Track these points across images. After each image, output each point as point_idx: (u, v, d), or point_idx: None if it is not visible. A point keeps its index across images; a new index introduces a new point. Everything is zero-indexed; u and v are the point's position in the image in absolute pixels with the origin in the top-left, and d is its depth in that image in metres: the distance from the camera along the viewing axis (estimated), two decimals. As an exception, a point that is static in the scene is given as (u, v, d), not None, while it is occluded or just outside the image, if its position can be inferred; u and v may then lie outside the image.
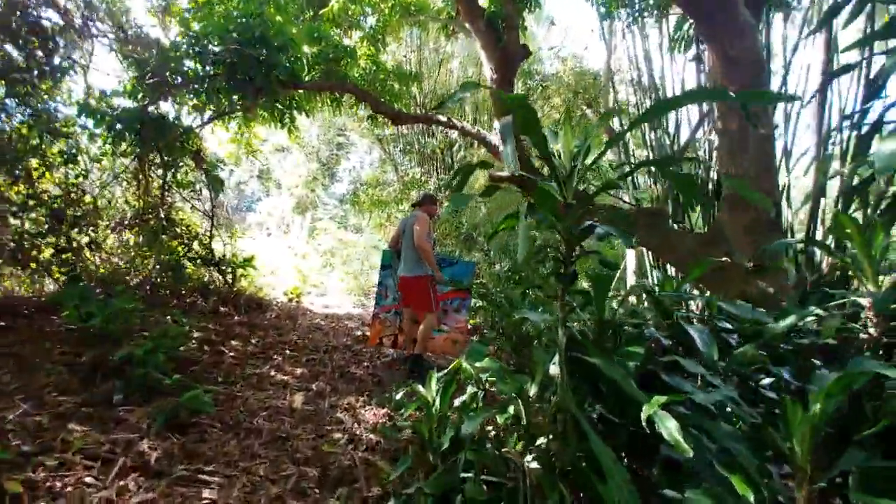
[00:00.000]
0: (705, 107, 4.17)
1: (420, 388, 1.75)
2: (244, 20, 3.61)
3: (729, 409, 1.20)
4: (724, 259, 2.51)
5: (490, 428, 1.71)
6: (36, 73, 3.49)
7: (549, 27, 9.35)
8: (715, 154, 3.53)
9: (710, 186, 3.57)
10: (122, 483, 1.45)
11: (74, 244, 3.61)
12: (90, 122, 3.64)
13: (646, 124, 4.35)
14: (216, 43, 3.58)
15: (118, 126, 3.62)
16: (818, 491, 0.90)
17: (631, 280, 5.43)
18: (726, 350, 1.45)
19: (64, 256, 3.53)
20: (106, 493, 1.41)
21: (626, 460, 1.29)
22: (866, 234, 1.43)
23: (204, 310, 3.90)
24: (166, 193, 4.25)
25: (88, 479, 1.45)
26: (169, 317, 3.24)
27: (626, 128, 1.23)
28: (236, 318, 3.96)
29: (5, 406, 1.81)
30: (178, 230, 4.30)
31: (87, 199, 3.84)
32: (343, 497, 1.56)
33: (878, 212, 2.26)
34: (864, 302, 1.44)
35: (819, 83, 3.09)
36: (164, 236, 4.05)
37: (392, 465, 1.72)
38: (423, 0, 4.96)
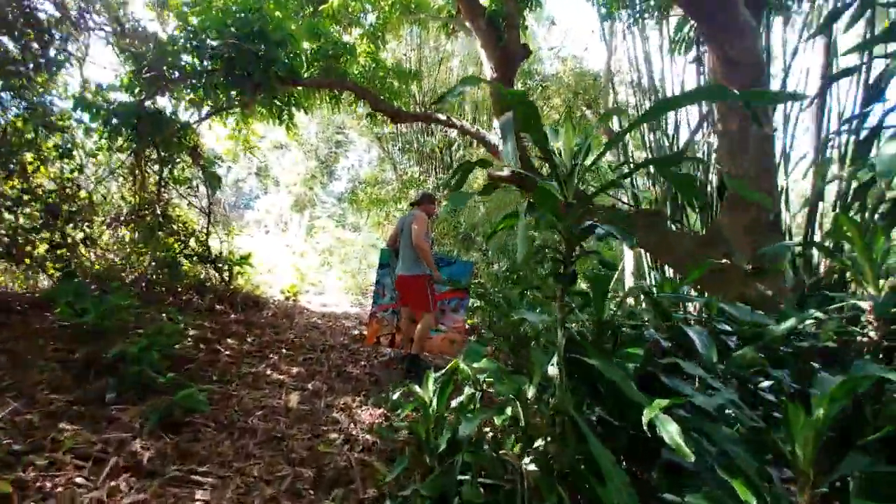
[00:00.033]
0: (704, 108, 4.17)
1: (417, 388, 1.74)
2: (243, 15, 3.57)
3: (728, 412, 1.19)
4: (722, 261, 2.50)
5: (487, 429, 1.70)
6: (31, 65, 3.45)
7: (549, 27, 9.34)
8: (714, 156, 3.53)
9: (709, 188, 3.57)
10: (113, 483, 1.43)
11: (69, 240, 3.57)
12: (86, 117, 3.60)
13: (645, 126, 4.35)
14: (214, 37, 3.55)
15: (114, 121, 3.58)
16: (820, 496, 0.89)
17: (629, 281, 5.43)
18: (725, 352, 1.44)
19: (58, 252, 3.49)
20: (97, 493, 1.38)
21: (625, 463, 1.28)
22: (867, 238, 1.42)
23: (200, 307, 3.87)
24: (163, 190, 4.21)
25: (79, 480, 1.43)
26: (164, 314, 3.21)
27: (627, 126, 1.22)
28: (233, 316, 3.93)
29: (-4, 403, 1.78)
30: (175, 227, 4.26)
31: (83, 194, 3.79)
32: (338, 498, 1.54)
33: (877, 215, 2.26)
34: (865, 305, 1.44)
35: (819, 87, 3.10)
36: (160, 233, 4.01)
37: (388, 467, 1.71)
38: (424, -2, 4.94)
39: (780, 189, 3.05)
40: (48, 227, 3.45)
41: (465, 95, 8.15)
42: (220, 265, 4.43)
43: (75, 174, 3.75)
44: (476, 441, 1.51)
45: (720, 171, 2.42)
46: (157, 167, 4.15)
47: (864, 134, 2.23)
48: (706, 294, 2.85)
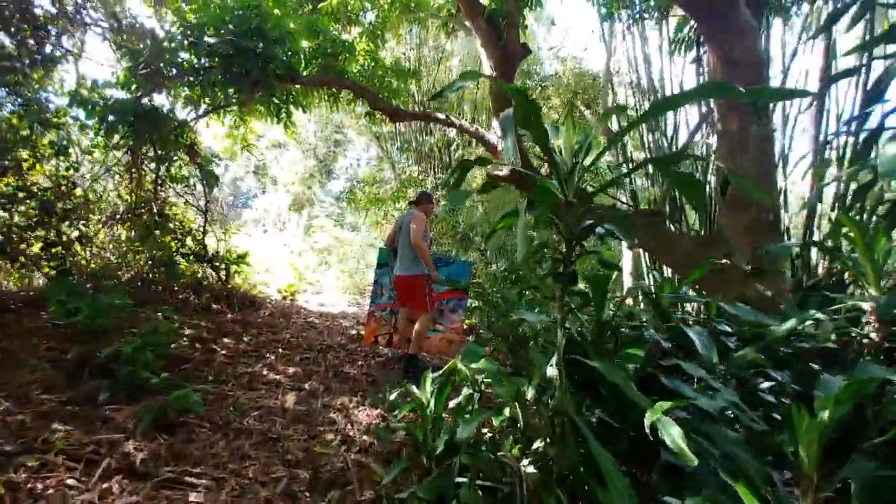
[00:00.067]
0: (704, 109, 4.17)
1: (414, 388, 1.72)
2: (241, 12, 3.55)
3: (729, 413, 1.18)
4: (722, 261, 2.49)
5: (486, 430, 1.68)
6: (27, 61, 3.41)
7: (549, 27, 9.34)
8: (713, 156, 3.52)
9: (708, 189, 3.56)
10: (105, 485, 1.40)
11: (64, 238, 3.54)
12: (82, 114, 3.56)
13: (644, 126, 4.35)
14: (211, 34, 3.52)
15: (111, 118, 3.55)
16: (824, 499, 0.88)
17: (627, 282, 5.43)
18: (725, 353, 1.43)
19: (53, 251, 3.46)
20: (88, 495, 1.36)
21: (625, 465, 1.26)
22: (868, 238, 1.41)
23: (196, 307, 3.84)
24: (159, 188, 4.18)
25: (71, 481, 1.40)
26: (160, 313, 3.18)
27: (630, 124, 1.20)
28: (229, 315, 3.90)
29: (-13, 403, 1.75)
30: (172, 225, 4.23)
31: (78, 192, 3.76)
32: (335, 500, 1.52)
33: (876, 216, 2.25)
34: (866, 306, 1.43)
35: (818, 88, 3.09)
36: (156, 231, 3.98)
37: (385, 468, 1.69)
38: (424, -3, 4.92)
39: (778, 190, 3.05)
40: (43, 225, 3.42)
41: (464, 94, 8.14)
42: (217, 264, 4.40)
43: (71, 172, 3.72)
44: (474, 443, 1.50)
45: (723, 170, 2.41)
46: (153, 165, 4.12)
47: (864, 135, 2.22)
48: (705, 294, 2.84)
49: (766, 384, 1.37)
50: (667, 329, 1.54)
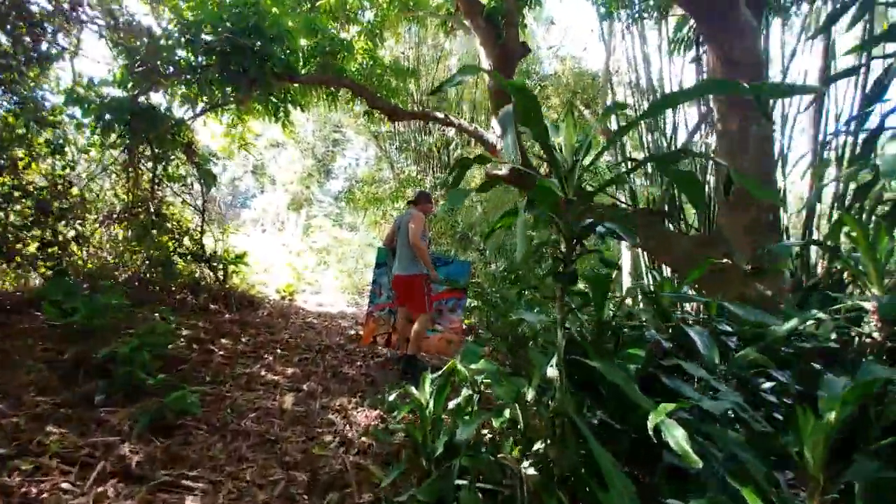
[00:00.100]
0: (703, 109, 4.16)
1: (413, 389, 1.70)
2: (238, 10, 3.52)
3: (730, 413, 1.16)
4: (722, 261, 2.48)
5: (486, 431, 1.67)
6: (23, 59, 3.38)
7: (548, 27, 9.33)
8: (713, 155, 3.51)
9: (707, 189, 3.56)
10: (100, 489, 1.38)
11: (60, 238, 3.51)
12: (78, 112, 3.53)
13: (643, 126, 4.34)
14: (209, 32, 3.49)
15: (107, 116, 3.52)
16: (830, 501, 0.87)
17: (626, 282, 5.42)
18: (725, 353, 1.42)
19: (50, 250, 3.43)
20: (83, 499, 1.34)
21: (626, 467, 1.25)
22: (871, 238, 1.40)
23: (194, 307, 3.82)
24: (156, 187, 4.15)
25: (65, 485, 1.38)
26: (157, 314, 3.15)
27: (630, 122, 1.19)
28: (227, 315, 3.88)
29: (-20, 405, 1.73)
30: (169, 225, 4.20)
31: (75, 191, 3.73)
32: (333, 503, 1.51)
33: (875, 216, 2.25)
34: (869, 306, 1.42)
35: (819, 86, 3.08)
36: (153, 231, 3.96)
37: (384, 470, 1.67)
38: (422, -4, 4.90)
39: (778, 190, 3.04)
40: (39, 224, 3.39)
41: (462, 93, 8.12)
42: (215, 264, 4.37)
43: (67, 171, 3.69)
44: (474, 444, 1.48)
45: (725, 169, 2.40)
46: (150, 164, 4.09)
47: (865, 135, 2.22)
48: (705, 294, 2.84)
49: (767, 384, 1.36)
50: (667, 329, 1.53)
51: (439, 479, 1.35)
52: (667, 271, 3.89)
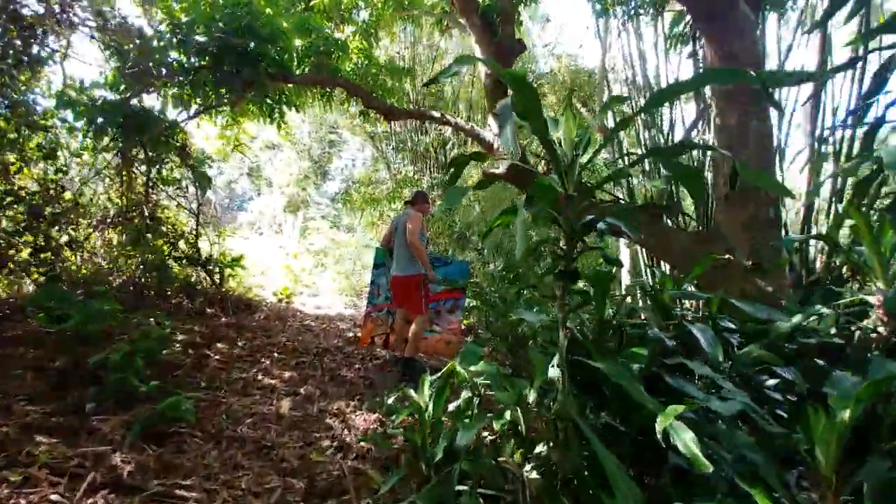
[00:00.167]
0: (701, 104, 4.14)
1: (412, 392, 1.67)
2: (231, 10, 3.48)
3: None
4: (724, 256, 2.46)
5: (486, 435, 1.64)
6: (13, 62, 3.33)
7: (543, 24, 9.32)
8: (709, 154, 3.49)
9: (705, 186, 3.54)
10: (90, 501, 1.34)
11: (53, 243, 3.46)
12: (70, 115, 3.49)
13: (640, 123, 4.32)
14: (202, 32, 3.45)
15: (99, 119, 3.47)
16: (842, 502, 0.84)
17: (625, 280, 5.40)
18: (727, 350, 1.39)
19: (42, 256, 3.38)
20: (73, 510, 1.30)
21: (631, 469, 1.22)
22: (875, 231, 1.38)
23: (189, 311, 3.77)
24: (151, 191, 4.11)
25: (54, 497, 1.34)
26: (152, 319, 3.11)
27: (628, 117, 1.16)
28: (223, 319, 3.83)
29: (-32, 415, 1.69)
30: (164, 229, 4.16)
31: (67, 195, 3.68)
32: (331, 509, 1.47)
33: (874, 210, 2.23)
34: (873, 300, 1.40)
35: (817, 79, 3.07)
36: (148, 235, 3.91)
37: (383, 476, 1.64)
38: (417, -6, 4.87)
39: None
40: (31, 230, 3.35)
41: (459, 92, 8.09)
42: (211, 267, 4.33)
43: (59, 175, 3.64)
44: (474, 448, 1.45)
45: (731, 162, 2.37)
46: (144, 167, 4.05)
47: (866, 128, 2.20)
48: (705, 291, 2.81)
49: (771, 381, 1.33)
50: (669, 327, 1.50)
51: (439, 484, 1.32)
52: (666, 268, 3.87)
